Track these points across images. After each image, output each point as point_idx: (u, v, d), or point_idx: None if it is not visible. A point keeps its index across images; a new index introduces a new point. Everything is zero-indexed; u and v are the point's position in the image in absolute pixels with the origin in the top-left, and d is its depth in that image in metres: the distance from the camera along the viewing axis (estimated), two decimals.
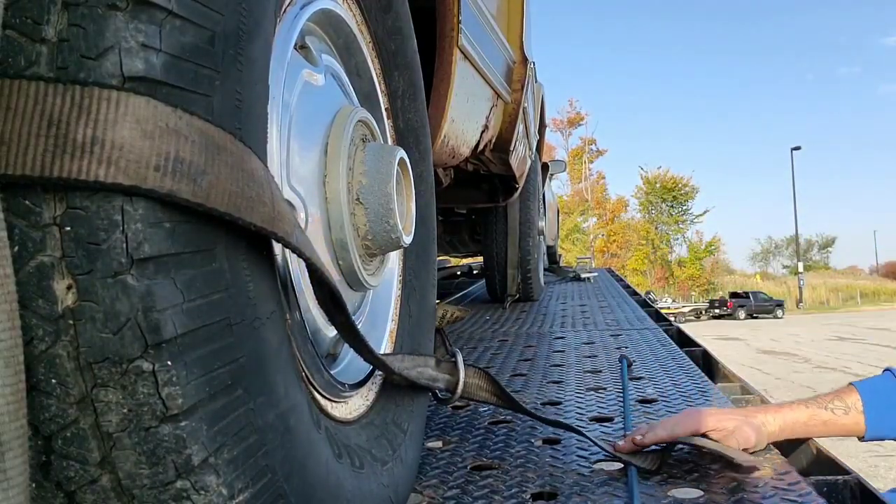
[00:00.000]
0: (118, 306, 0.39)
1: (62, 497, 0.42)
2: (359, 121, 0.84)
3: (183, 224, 0.42)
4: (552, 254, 6.83)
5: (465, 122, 1.73)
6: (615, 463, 1.02)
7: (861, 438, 1.07)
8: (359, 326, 0.92)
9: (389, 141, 1.04)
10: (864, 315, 29.98)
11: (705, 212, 40.38)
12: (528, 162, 2.95)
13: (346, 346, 0.89)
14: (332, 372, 0.76)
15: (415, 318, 1.08)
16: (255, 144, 0.51)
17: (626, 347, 2.03)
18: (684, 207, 36.22)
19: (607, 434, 1.17)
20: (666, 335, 2.32)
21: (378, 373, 0.93)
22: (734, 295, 29.96)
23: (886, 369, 1.10)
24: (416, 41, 1.11)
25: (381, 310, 1.01)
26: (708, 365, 2.20)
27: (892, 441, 1.08)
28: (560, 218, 10.46)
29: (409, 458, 0.89)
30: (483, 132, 1.99)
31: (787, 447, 1.52)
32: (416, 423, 0.96)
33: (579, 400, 1.42)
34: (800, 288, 35.95)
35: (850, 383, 1.10)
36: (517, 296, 3.40)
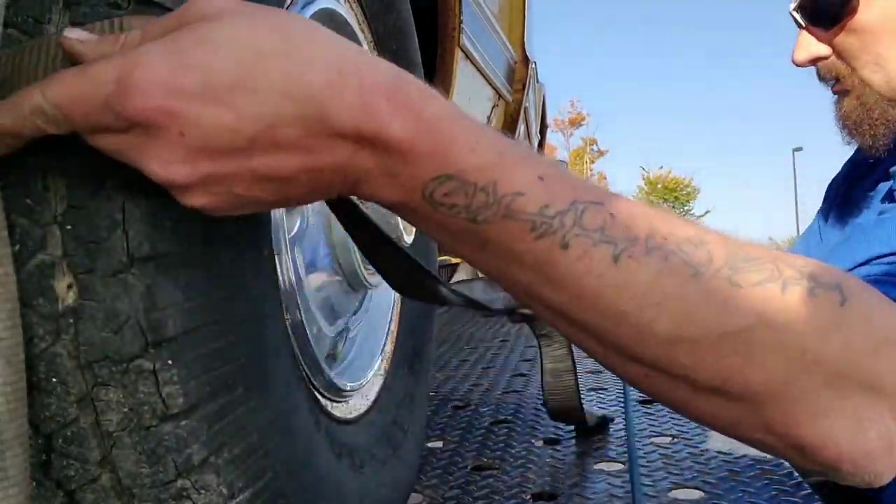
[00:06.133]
0: (119, 305, 0.39)
1: (62, 496, 0.42)
2: None
3: (184, 223, 0.42)
4: None
5: None
6: (615, 463, 1.02)
7: None
8: (359, 327, 0.92)
9: None
10: None
11: (706, 212, 40.36)
12: None
13: (346, 346, 0.89)
14: (332, 372, 0.76)
15: None
16: None
17: None
18: (686, 208, 36.15)
19: (608, 434, 1.17)
20: None
21: (377, 372, 0.93)
22: None
23: None
24: (417, 41, 1.11)
25: (381, 309, 1.01)
26: None
27: None
28: None
29: (409, 457, 0.89)
30: None
31: None
32: (416, 423, 0.96)
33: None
34: None
35: None
36: None
